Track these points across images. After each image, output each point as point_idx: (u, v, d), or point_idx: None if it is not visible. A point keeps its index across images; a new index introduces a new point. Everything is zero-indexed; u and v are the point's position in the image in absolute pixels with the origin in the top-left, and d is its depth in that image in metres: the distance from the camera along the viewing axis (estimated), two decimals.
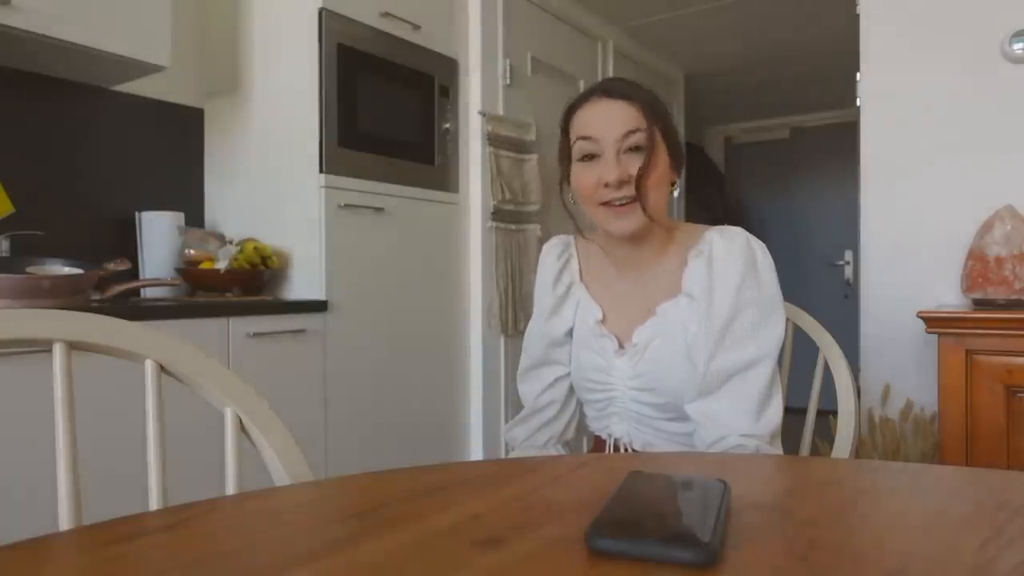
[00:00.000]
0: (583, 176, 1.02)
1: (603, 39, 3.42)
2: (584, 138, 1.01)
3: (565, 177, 1.07)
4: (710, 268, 0.99)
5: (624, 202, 0.99)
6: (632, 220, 1.00)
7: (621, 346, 1.07)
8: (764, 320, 0.97)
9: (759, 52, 3.96)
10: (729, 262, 0.98)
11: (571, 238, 1.18)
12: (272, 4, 2.26)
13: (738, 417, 0.95)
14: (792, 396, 1.46)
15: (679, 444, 1.06)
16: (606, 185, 0.98)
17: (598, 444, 1.18)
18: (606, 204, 1.00)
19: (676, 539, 0.44)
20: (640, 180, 0.98)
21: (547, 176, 2.88)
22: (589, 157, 1.01)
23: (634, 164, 0.98)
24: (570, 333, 1.14)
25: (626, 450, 1.09)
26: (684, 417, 1.02)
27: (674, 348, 1.01)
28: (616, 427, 1.10)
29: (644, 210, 0.99)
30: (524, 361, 1.21)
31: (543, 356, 1.17)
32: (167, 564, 0.45)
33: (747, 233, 1.02)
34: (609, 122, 0.99)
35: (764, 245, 1.02)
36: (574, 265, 1.16)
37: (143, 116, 2.29)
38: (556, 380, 1.17)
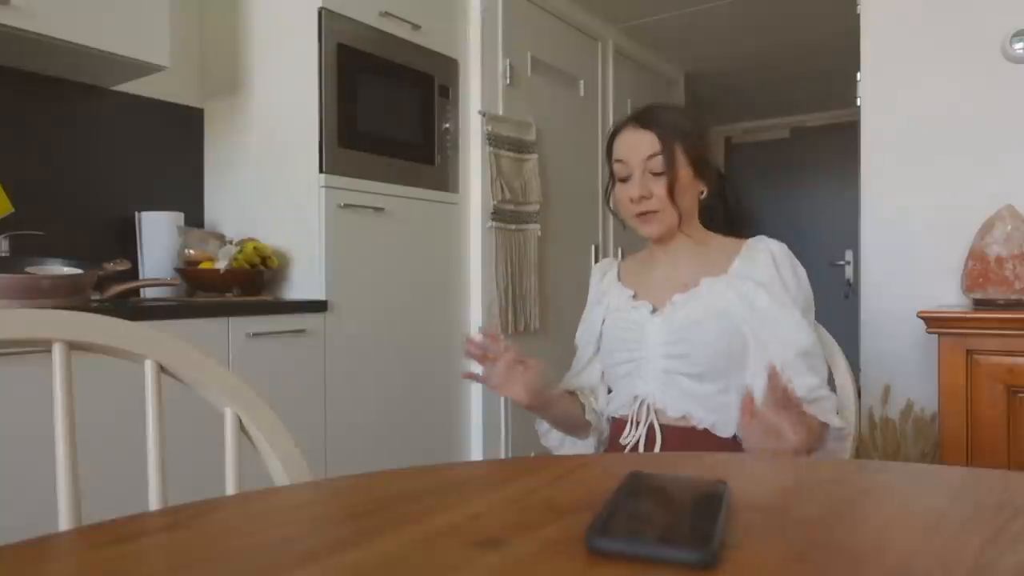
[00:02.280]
0: (620, 194, 1.23)
1: (603, 39, 3.42)
2: (618, 161, 1.22)
3: (611, 189, 1.28)
4: (777, 267, 1.17)
5: (648, 211, 1.20)
6: (655, 226, 1.21)
7: (656, 309, 1.23)
8: (810, 306, 1.21)
9: (759, 52, 3.96)
10: (787, 265, 1.19)
11: (616, 259, 1.41)
12: (272, 4, 2.26)
13: (809, 378, 1.14)
14: None
15: (700, 405, 1.17)
16: (632, 200, 1.20)
17: (615, 428, 1.26)
18: (637, 215, 1.21)
19: (676, 539, 0.44)
20: (667, 192, 1.19)
21: (547, 176, 2.88)
22: (623, 179, 1.22)
23: (656, 182, 1.18)
24: (599, 327, 1.31)
25: (649, 409, 1.20)
26: (707, 378, 1.16)
27: (709, 310, 1.17)
28: (642, 388, 1.21)
29: (671, 217, 1.20)
30: (575, 360, 1.38)
31: (583, 353, 1.35)
32: (167, 564, 0.45)
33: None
34: (634, 148, 1.20)
35: None
36: (613, 272, 1.35)
37: (143, 116, 2.29)
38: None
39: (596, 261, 3.25)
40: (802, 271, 1.21)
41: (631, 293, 1.27)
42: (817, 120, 5.20)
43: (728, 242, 1.25)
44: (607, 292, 1.32)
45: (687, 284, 1.21)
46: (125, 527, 0.51)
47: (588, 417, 1.28)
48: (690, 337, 1.16)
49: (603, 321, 1.30)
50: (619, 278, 1.33)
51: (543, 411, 1.23)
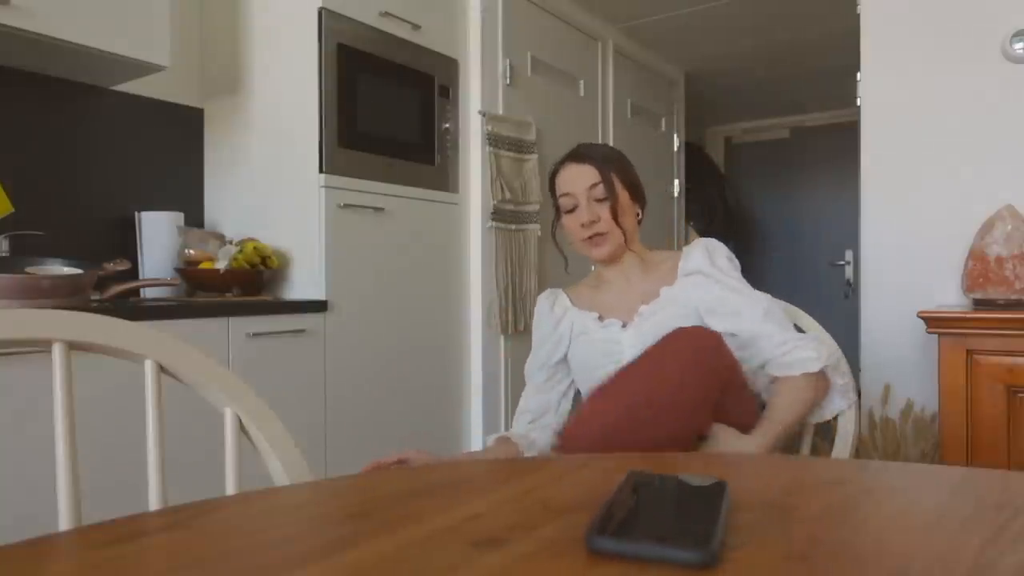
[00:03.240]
0: (569, 223, 1.35)
1: (603, 39, 3.42)
2: (564, 195, 1.34)
3: (557, 223, 1.40)
4: (709, 255, 1.30)
5: (596, 234, 1.31)
6: (606, 247, 1.32)
7: (625, 324, 1.31)
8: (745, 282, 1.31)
9: (759, 52, 3.96)
10: (720, 252, 1.32)
11: (557, 289, 1.47)
12: (272, 4, 2.26)
13: (779, 334, 1.23)
14: None
15: None
16: (582, 225, 1.31)
17: None
18: (587, 239, 1.32)
19: (675, 539, 0.44)
20: (611, 215, 1.31)
21: (547, 176, 2.87)
22: (570, 210, 1.33)
23: (601, 207, 1.30)
24: (563, 350, 1.39)
25: None
26: None
27: (676, 313, 1.27)
28: None
29: (618, 237, 1.32)
30: (527, 388, 1.45)
31: (537, 377, 1.43)
32: (167, 564, 0.45)
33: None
34: (576, 181, 1.32)
35: None
36: (563, 300, 1.42)
37: (143, 116, 2.29)
38: (562, 393, 1.43)
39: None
40: (735, 261, 1.34)
41: (595, 315, 1.35)
42: (817, 120, 5.20)
43: (670, 253, 1.38)
44: (562, 319, 1.39)
45: (647, 296, 1.31)
46: (125, 527, 0.51)
47: (527, 455, 1.35)
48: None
49: (568, 345, 1.38)
50: (572, 304, 1.40)
51: None
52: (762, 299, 1.26)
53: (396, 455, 1.21)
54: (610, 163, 1.33)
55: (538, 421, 1.41)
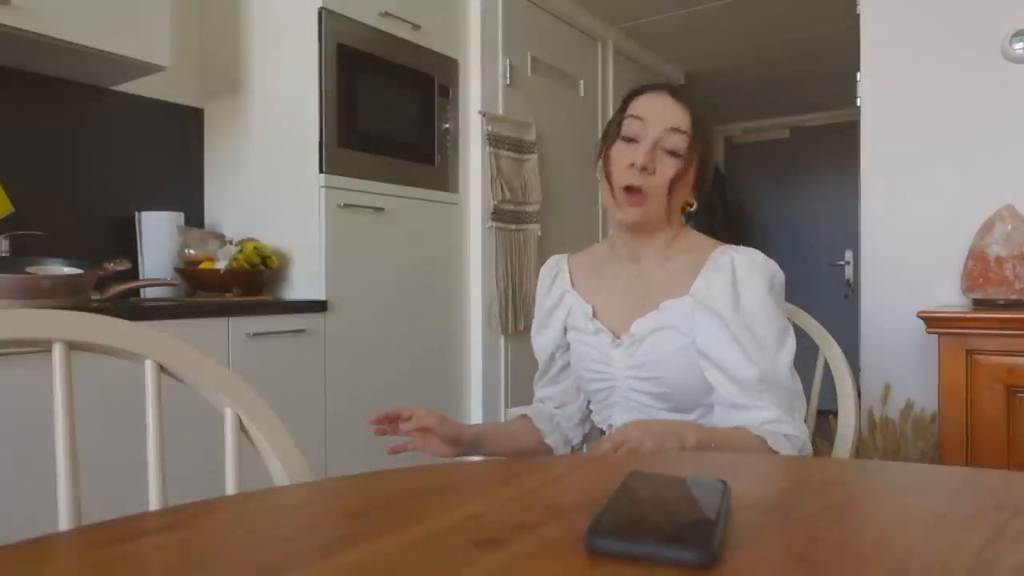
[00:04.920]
0: (618, 155, 1.06)
1: (603, 39, 3.42)
2: (635, 117, 1.06)
3: (603, 152, 1.11)
4: (734, 286, 1.01)
5: (637, 189, 1.04)
6: (639, 211, 1.05)
7: (617, 337, 1.11)
8: (786, 330, 1.03)
9: (759, 52, 3.96)
10: (752, 282, 1.02)
11: (564, 256, 1.25)
12: (272, 4, 2.26)
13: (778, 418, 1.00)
14: None
15: None
16: (631, 165, 1.03)
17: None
18: (624, 189, 1.05)
19: (676, 539, 0.44)
20: (671, 180, 1.04)
21: (547, 176, 2.88)
22: (629, 140, 1.05)
23: (666, 162, 1.04)
24: (561, 341, 1.20)
25: None
26: (683, 408, 1.07)
27: (675, 343, 1.05)
28: (618, 417, 1.12)
29: (659, 208, 1.06)
30: (547, 373, 1.28)
31: (546, 366, 1.26)
32: (167, 564, 0.45)
33: (761, 253, 1.06)
34: (662, 112, 1.04)
35: (775, 264, 1.06)
36: (564, 276, 1.21)
37: (143, 116, 2.29)
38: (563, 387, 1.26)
39: None
40: (779, 282, 1.04)
41: (589, 310, 1.14)
42: (817, 120, 5.19)
43: (697, 249, 1.10)
44: (558, 305, 1.19)
45: (649, 303, 1.07)
46: (125, 527, 0.51)
47: (549, 441, 1.21)
48: (658, 374, 1.05)
49: (565, 332, 1.19)
50: (572, 283, 1.19)
51: (477, 452, 1.16)
52: (770, 366, 0.98)
53: (412, 419, 1.14)
54: (702, 128, 1.07)
55: (564, 408, 1.24)
